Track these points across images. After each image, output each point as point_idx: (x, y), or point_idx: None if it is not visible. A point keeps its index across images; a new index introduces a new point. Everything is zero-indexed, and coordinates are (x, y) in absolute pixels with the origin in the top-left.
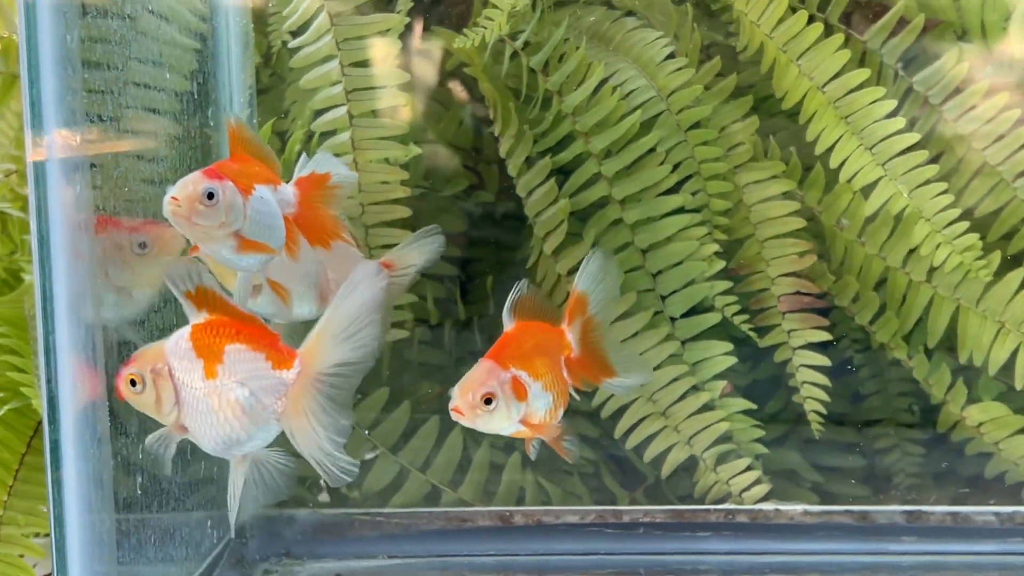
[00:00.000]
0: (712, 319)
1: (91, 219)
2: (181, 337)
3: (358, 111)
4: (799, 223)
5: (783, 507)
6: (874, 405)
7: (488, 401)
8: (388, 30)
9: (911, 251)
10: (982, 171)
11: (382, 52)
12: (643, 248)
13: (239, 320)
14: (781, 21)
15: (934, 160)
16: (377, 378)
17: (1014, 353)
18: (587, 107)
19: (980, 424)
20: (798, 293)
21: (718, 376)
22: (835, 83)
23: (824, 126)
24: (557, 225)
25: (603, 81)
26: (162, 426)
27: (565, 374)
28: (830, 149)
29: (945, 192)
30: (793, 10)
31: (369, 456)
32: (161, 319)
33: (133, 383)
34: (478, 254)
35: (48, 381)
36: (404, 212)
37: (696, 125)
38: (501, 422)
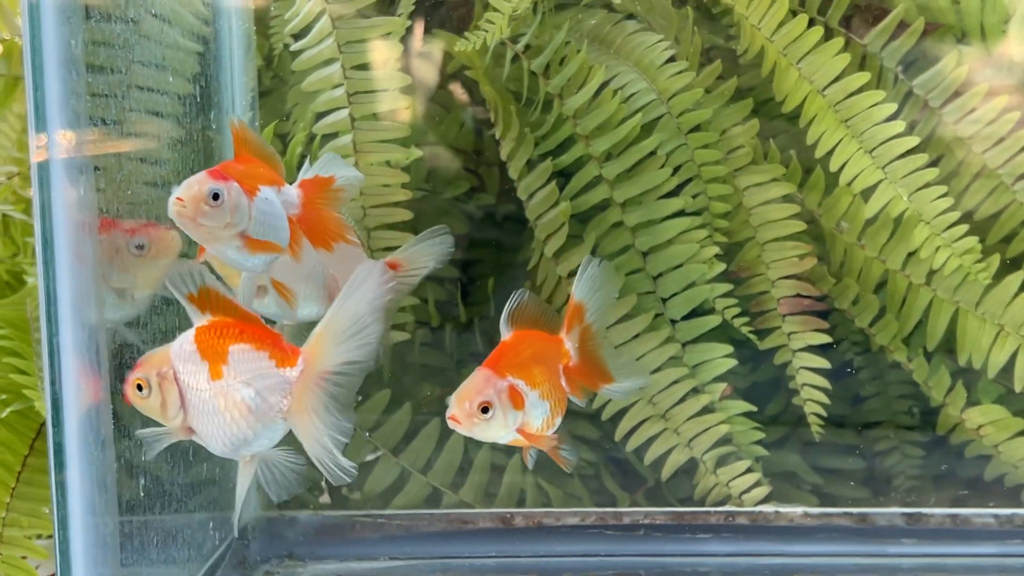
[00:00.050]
0: (712, 321)
1: (95, 221)
2: (186, 340)
3: (360, 114)
4: (799, 226)
5: (783, 509)
6: (874, 407)
7: (485, 410)
8: (390, 33)
9: (911, 254)
10: (982, 174)
11: (384, 55)
12: (644, 251)
13: (242, 320)
14: (781, 24)
15: (934, 163)
16: (378, 380)
17: (1013, 355)
18: (588, 110)
19: (979, 426)
20: (798, 296)
21: (718, 378)
22: (835, 86)
23: (824, 129)
24: (558, 228)
25: (604, 84)
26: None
27: (563, 383)
28: (830, 152)
29: (945, 195)
30: (793, 13)
31: (370, 458)
32: (163, 321)
33: (140, 388)
34: (479, 256)
35: (52, 383)
36: (406, 215)
37: (697, 128)
38: (498, 431)
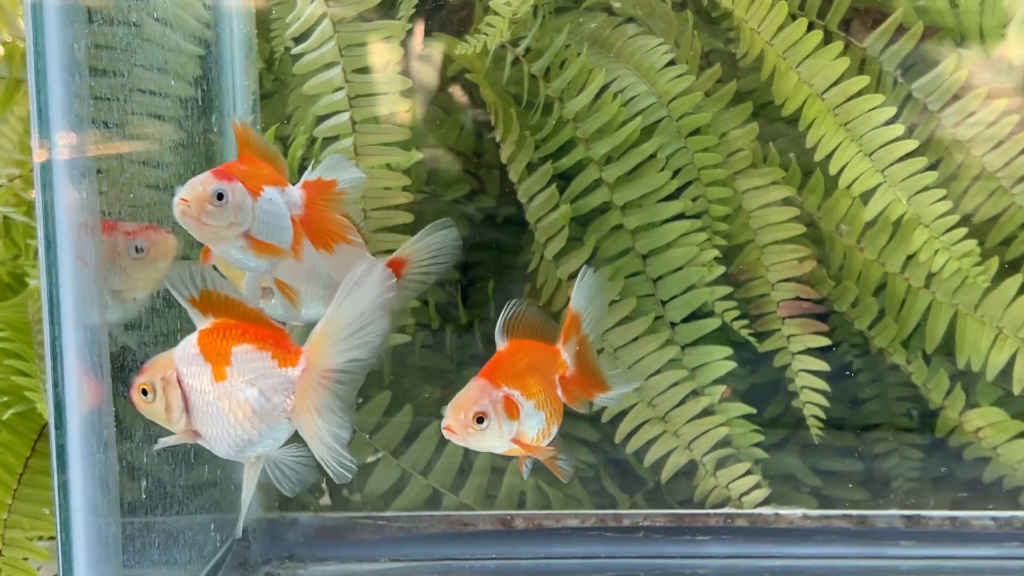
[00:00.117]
0: (712, 324)
1: (97, 224)
2: (189, 343)
3: (360, 117)
4: (798, 229)
5: (782, 511)
6: (873, 410)
7: (480, 420)
8: (390, 36)
9: (910, 257)
10: (981, 177)
11: (384, 58)
12: (643, 253)
13: (246, 319)
14: (781, 28)
15: (933, 166)
16: (379, 382)
17: (1012, 358)
18: (588, 113)
19: (978, 429)
20: (797, 298)
21: (718, 381)
22: (834, 90)
23: (823, 132)
24: (558, 230)
25: (604, 87)
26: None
27: (560, 392)
28: (829, 155)
29: (944, 198)
30: (793, 17)
31: (371, 460)
32: (165, 324)
33: (145, 392)
34: (479, 259)
35: (54, 385)
36: (406, 217)
37: (696, 131)
38: (493, 441)
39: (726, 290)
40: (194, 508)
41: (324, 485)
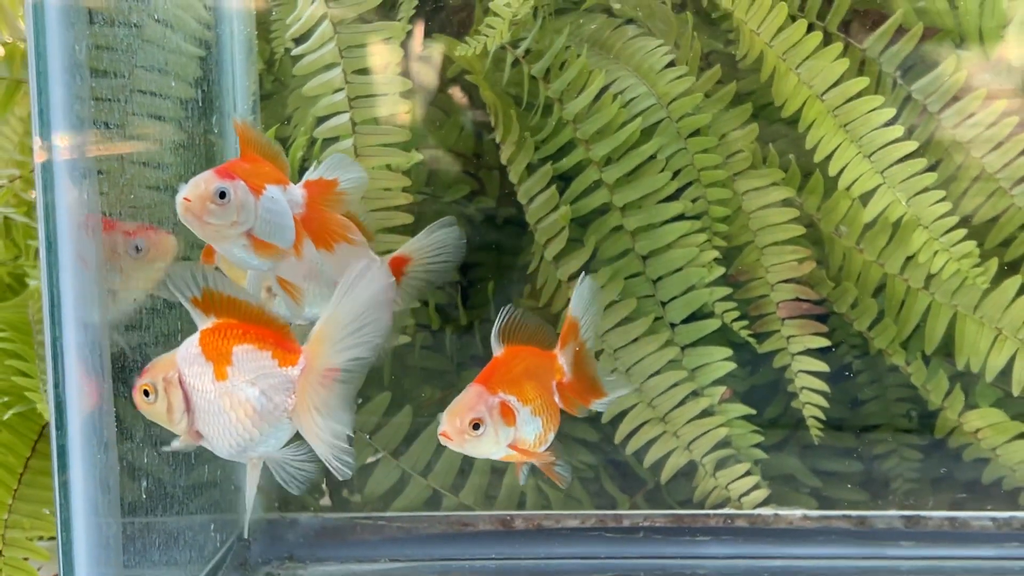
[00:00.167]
0: (711, 325)
1: (98, 224)
2: (191, 343)
3: (360, 118)
4: (798, 230)
5: (782, 512)
6: (872, 411)
7: (476, 426)
8: (390, 37)
9: (909, 258)
10: (980, 178)
11: (384, 59)
12: (643, 254)
13: (248, 318)
14: (781, 30)
15: (932, 167)
16: (379, 383)
17: (1011, 359)
18: (588, 114)
19: (977, 430)
20: (797, 299)
21: (717, 382)
22: (834, 91)
23: (823, 134)
24: (558, 231)
25: (604, 89)
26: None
27: (556, 399)
28: (829, 156)
29: (943, 199)
30: (793, 19)
31: (371, 460)
32: (166, 324)
33: (146, 393)
34: (479, 260)
35: (55, 385)
36: (406, 218)
37: (696, 132)
38: (489, 447)
39: (726, 291)
40: (194, 508)
41: (324, 486)
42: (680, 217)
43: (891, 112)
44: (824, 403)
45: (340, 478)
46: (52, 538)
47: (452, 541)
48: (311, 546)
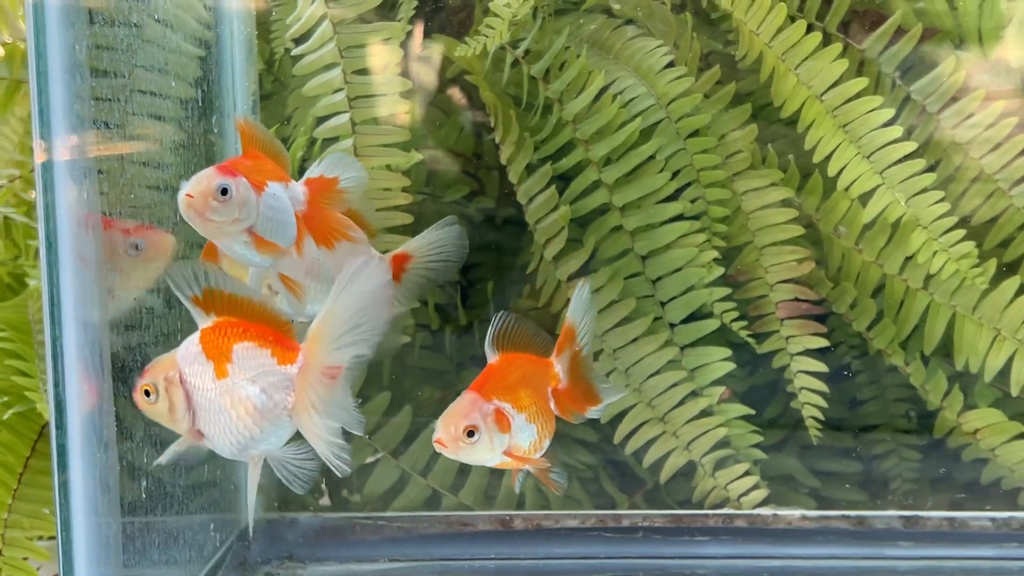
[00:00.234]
0: (711, 325)
1: (98, 224)
2: (192, 342)
3: (360, 118)
4: (797, 230)
5: (781, 512)
6: (871, 411)
7: (471, 433)
8: (390, 38)
9: (908, 258)
10: (979, 178)
11: (384, 59)
12: (643, 255)
13: (249, 315)
14: (780, 30)
15: (931, 168)
16: (379, 383)
17: (1010, 360)
18: (587, 115)
19: (976, 430)
20: (796, 299)
21: (717, 382)
22: (833, 91)
23: (822, 134)
24: (558, 232)
25: (603, 89)
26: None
27: (552, 405)
28: (828, 157)
29: (942, 200)
30: (792, 19)
31: (370, 460)
32: (166, 324)
33: (147, 393)
34: (479, 260)
35: (55, 385)
36: (406, 218)
37: (695, 133)
38: (484, 454)
39: (725, 291)
40: (194, 508)
41: (324, 486)
42: (679, 217)
43: (890, 113)
44: (823, 403)
45: (339, 475)
46: (52, 538)
47: (451, 541)
48: (310, 546)
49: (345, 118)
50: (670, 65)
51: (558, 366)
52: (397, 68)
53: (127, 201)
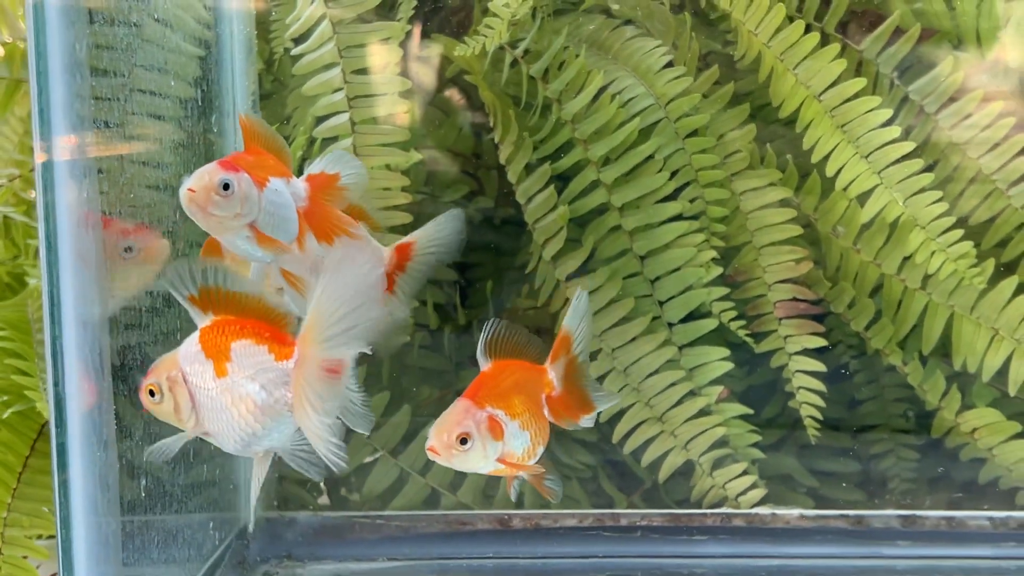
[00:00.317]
0: (709, 325)
1: (98, 223)
2: (191, 342)
3: (360, 118)
4: (795, 230)
5: (779, 511)
6: (869, 410)
7: (464, 441)
8: (389, 38)
9: (906, 258)
10: (977, 179)
11: (383, 59)
12: (641, 254)
13: (247, 312)
14: (779, 30)
15: (929, 168)
16: (378, 382)
17: (1008, 360)
18: (586, 114)
19: (974, 430)
20: (794, 299)
21: (715, 381)
22: (832, 92)
23: (820, 134)
24: (556, 231)
25: (602, 89)
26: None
27: (546, 412)
28: (826, 157)
29: (940, 200)
30: (790, 19)
31: (369, 459)
32: (165, 324)
33: (152, 393)
34: (478, 259)
35: (55, 384)
36: (405, 218)
37: (694, 133)
38: (477, 461)
39: (723, 291)
40: (193, 507)
41: (323, 485)
42: (678, 217)
43: (888, 113)
44: (821, 403)
45: (337, 472)
46: (51, 536)
47: (450, 540)
48: (309, 545)
49: (344, 118)
50: (669, 65)
51: (552, 373)
52: (396, 68)
53: (127, 200)
